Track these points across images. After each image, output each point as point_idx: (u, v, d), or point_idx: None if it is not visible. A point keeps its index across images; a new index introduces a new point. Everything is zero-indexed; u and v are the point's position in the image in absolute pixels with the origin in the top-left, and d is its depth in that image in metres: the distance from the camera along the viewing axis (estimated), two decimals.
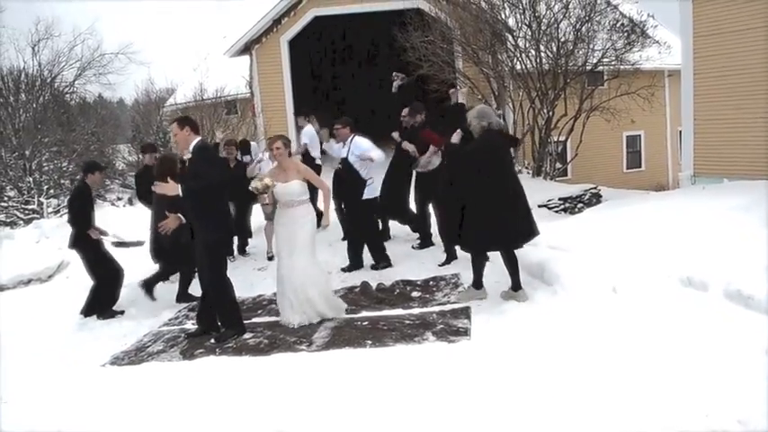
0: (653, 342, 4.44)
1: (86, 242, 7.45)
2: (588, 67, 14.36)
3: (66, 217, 8.05)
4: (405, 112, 8.83)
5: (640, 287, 5.32)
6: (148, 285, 7.62)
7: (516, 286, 6.13)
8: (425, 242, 8.76)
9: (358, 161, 7.90)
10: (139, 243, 7.88)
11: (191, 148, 5.83)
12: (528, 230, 6.06)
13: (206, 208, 5.85)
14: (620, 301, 5.25)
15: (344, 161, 8.04)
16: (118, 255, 8.48)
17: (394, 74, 9.39)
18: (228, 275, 7.66)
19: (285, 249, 6.24)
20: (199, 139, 5.95)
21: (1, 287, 9.13)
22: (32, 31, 26.13)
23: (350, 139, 8.07)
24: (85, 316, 7.46)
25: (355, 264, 8.18)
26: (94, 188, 7.79)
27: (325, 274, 6.57)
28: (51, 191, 20.75)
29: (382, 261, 8.13)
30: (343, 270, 8.13)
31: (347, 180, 8.05)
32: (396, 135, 8.74)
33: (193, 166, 5.86)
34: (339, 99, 22.09)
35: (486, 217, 5.90)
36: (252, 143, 10.95)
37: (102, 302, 7.51)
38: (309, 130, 10.02)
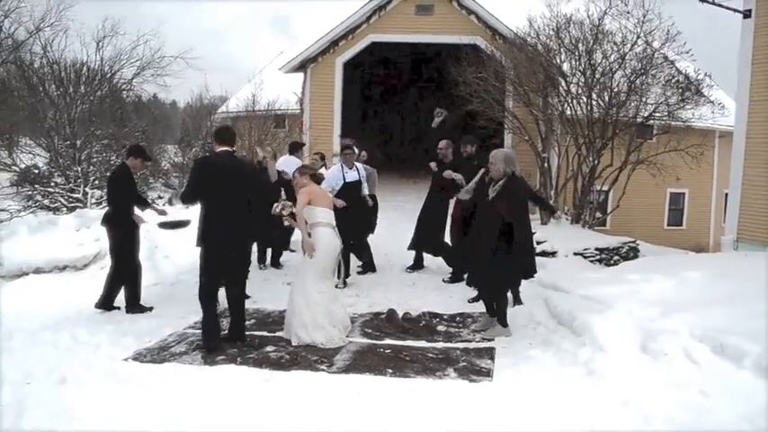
0: (675, 408, 4.34)
1: (119, 222, 7.53)
2: (639, 120, 14.22)
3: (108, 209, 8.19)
4: (442, 144, 8.99)
5: (670, 350, 5.20)
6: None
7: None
8: (457, 277, 8.73)
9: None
10: (184, 222, 7.78)
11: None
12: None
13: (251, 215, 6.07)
14: (648, 361, 5.14)
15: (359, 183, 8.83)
16: (166, 237, 8.58)
17: (436, 110, 9.50)
18: (258, 288, 7.82)
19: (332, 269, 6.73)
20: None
21: (38, 269, 9.32)
22: (99, 28, 26.84)
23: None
24: (99, 308, 7.51)
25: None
26: (134, 172, 7.89)
27: (311, 306, 6.32)
28: (97, 182, 21.21)
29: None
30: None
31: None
32: (433, 165, 8.87)
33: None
34: (384, 124, 22.25)
35: (514, 255, 6.20)
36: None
37: (127, 299, 7.60)
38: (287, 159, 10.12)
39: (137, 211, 7.71)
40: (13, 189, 23.42)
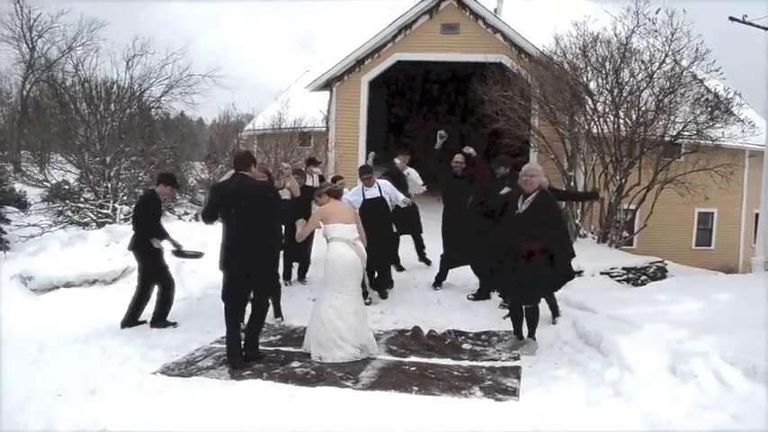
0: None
1: (146, 248, 7.68)
2: (667, 139, 14.10)
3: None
4: (458, 158, 9.10)
5: (700, 372, 5.12)
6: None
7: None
8: (482, 294, 8.70)
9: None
10: (198, 254, 8.05)
11: None
12: None
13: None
14: (677, 383, 5.07)
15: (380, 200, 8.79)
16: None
17: (440, 132, 9.57)
18: (283, 303, 7.85)
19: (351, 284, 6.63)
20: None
21: (68, 283, 9.48)
22: (129, 47, 27.51)
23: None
24: (125, 327, 7.57)
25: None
26: (162, 199, 8.03)
27: (321, 321, 6.39)
28: (125, 198, 21.51)
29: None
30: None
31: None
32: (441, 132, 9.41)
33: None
34: (410, 143, 22.30)
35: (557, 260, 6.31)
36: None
37: (156, 312, 7.72)
38: None
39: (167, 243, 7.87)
40: (45, 204, 23.84)
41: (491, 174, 8.57)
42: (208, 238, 10.32)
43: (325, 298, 6.45)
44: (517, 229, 6.28)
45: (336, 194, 6.98)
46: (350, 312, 6.35)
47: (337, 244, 6.52)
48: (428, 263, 10.50)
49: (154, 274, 7.75)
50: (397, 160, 10.43)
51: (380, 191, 8.79)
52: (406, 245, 10.42)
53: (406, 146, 15.24)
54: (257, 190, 6.29)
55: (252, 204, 6.12)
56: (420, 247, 10.77)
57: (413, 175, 10.46)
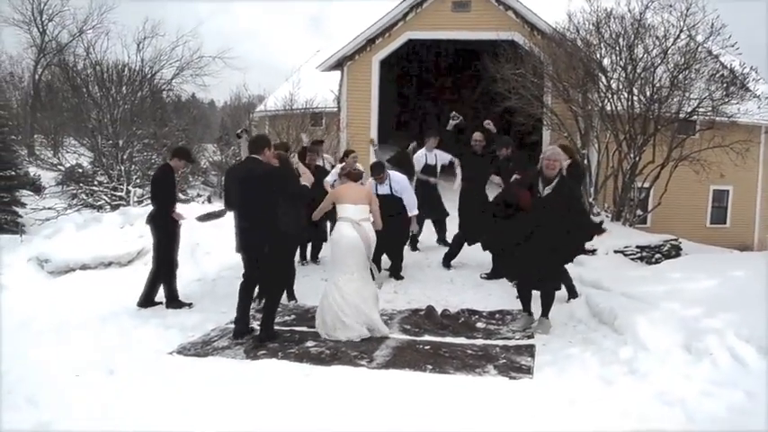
0: (720, 409, 4.25)
1: (164, 220, 7.72)
2: (681, 116, 13.96)
3: (150, 207, 8.37)
4: (478, 136, 9.04)
5: (715, 349, 5.10)
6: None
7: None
8: (496, 273, 8.70)
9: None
10: (221, 213, 8.09)
11: None
12: None
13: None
14: (692, 361, 5.05)
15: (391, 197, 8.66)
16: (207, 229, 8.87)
17: (453, 114, 9.50)
18: (298, 283, 7.90)
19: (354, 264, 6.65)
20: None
21: (84, 266, 9.59)
22: (139, 30, 27.56)
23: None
24: (141, 306, 7.64)
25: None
26: (177, 172, 8.07)
27: (325, 299, 6.61)
28: (138, 180, 21.68)
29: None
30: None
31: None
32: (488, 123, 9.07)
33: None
34: (422, 122, 22.22)
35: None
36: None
37: (165, 295, 7.80)
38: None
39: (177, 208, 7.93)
40: (59, 188, 24.06)
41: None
42: (221, 219, 10.40)
43: (331, 278, 6.61)
44: (540, 214, 6.24)
45: (354, 177, 7.14)
46: (351, 291, 6.40)
47: (342, 224, 6.60)
48: (446, 244, 10.46)
49: (167, 248, 7.76)
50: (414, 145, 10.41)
51: (391, 189, 8.72)
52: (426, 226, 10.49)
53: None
54: (261, 174, 6.32)
55: (254, 188, 6.26)
56: (442, 230, 10.83)
57: (440, 158, 10.53)
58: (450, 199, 10.40)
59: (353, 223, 6.57)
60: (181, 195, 25.24)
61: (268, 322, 6.37)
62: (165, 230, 7.75)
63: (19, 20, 38.92)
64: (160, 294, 7.86)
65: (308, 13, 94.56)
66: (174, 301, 7.77)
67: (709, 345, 5.08)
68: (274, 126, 20.68)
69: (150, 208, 8.27)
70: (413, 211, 8.86)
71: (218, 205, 13.28)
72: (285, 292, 7.59)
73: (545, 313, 6.58)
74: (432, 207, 10.28)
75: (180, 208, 8.12)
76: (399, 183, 8.84)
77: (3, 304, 7.86)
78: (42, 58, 38.53)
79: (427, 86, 24.22)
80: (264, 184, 6.25)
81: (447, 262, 9.42)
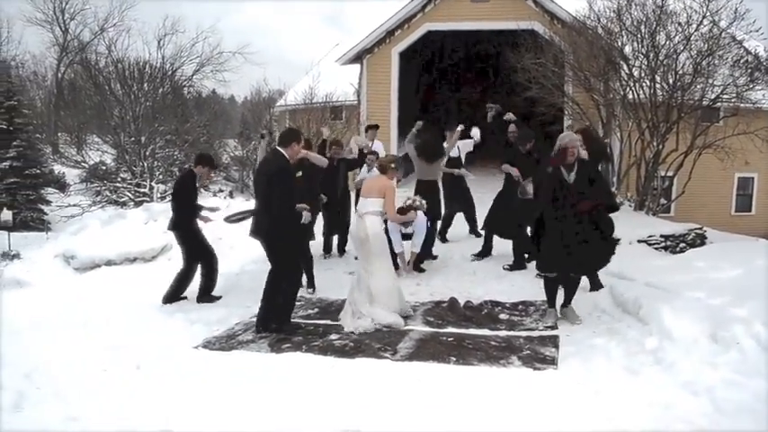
0: (748, 397, 4.21)
1: (186, 227, 7.78)
2: (705, 103, 13.77)
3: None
4: (512, 128, 8.97)
5: (742, 338, 5.05)
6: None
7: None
8: (518, 265, 8.66)
9: None
10: (249, 213, 8.18)
11: None
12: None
13: None
14: (719, 350, 5.00)
15: None
16: (230, 232, 9.06)
17: (488, 105, 9.42)
18: (320, 276, 7.94)
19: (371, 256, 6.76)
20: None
21: (109, 262, 9.71)
22: (159, 27, 27.81)
23: None
24: (166, 303, 7.69)
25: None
26: (200, 180, 8.12)
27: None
28: (161, 176, 21.87)
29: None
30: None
31: None
32: (510, 115, 9.15)
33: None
34: (443, 113, 22.14)
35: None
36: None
37: (202, 288, 7.86)
38: None
39: (203, 212, 8.02)
40: (83, 185, 24.35)
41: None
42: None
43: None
44: (573, 197, 6.18)
45: (381, 168, 7.37)
46: (360, 283, 6.64)
47: (354, 217, 6.76)
48: (479, 235, 10.24)
49: (198, 252, 7.85)
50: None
51: None
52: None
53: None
54: (271, 167, 6.43)
55: (261, 181, 6.51)
56: (472, 221, 10.60)
57: (463, 148, 10.28)
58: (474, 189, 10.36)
59: (359, 215, 6.80)
60: (203, 191, 25.46)
61: (280, 313, 6.44)
62: (189, 236, 7.82)
63: (41, 19, 39.44)
64: (188, 290, 7.94)
65: (325, 8, 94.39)
66: (205, 296, 7.84)
67: (735, 333, 5.02)
68: (294, 120, 20.75)
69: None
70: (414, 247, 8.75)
71: (241, 201, 13.37)
72: (305, 280, 7.69)
73: (569, 302, 6.55)
74: (460, 201, 10.19)
75: (205, 212, 8.14)
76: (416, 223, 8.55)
77: (30, 300, 7.99)
78: (65, 57, 39.00)
79: (448, 78, 24.13)
80: (269, 177, 6.36)
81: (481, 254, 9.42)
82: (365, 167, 9.82)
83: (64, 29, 39.77)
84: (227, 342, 6.17)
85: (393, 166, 7.12)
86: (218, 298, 7.88)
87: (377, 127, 11.86)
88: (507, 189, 8.98)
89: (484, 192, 9.98)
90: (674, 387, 4.49)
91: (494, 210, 9.18)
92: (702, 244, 11.19)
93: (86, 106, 25.22)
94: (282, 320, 6.42)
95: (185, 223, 7.78)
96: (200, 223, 7.95)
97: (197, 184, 8.03)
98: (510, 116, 9.02)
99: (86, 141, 25.90)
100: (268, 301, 6.43)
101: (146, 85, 23.91)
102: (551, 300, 6.62)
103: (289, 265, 6.50)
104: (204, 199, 10.94)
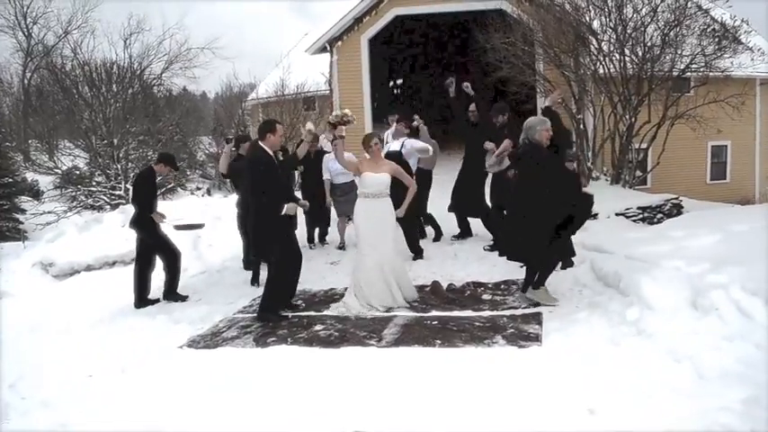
0: (729, 362, 4.28)
1: (144, 222, 7.68)
2: (675, 73, 13.85)
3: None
4: (472, 107, 8.94)
5: (721, 304, 5.11)
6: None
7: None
8: (498, 245, 8.69)
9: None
10: (200, 225, 8.23)
11: None
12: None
13: None
14: (699, 317, 5.07)
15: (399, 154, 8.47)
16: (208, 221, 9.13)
17: (447, 80, 9.21)
18: (303, 269, 7.91)
19: (371, 239, 6.62)
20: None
21: (88, 267, 9.63)
22: (125, 26, 27.39)
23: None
24: (139, 307, 7.63)
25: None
26: (160, 176, 8.14)
27: (403, 264, 7.13)
28: None
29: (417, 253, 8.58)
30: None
31: None
32: (466, 85, 8.92)
33: None
34: (415, 98, 22.11)
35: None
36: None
37: (166, 285, 7.82)
38: None
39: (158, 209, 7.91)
40: (58, 191, 24.03)
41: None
42: (222, 211, 10.44)
43: (396, 249, 6.96)
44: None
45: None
46: (364, 265, 6.69)
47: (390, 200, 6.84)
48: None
49: (155, 246, 7.76)
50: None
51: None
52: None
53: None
54: (248, 162, 6.70)
55: (244, 176, 6.80)
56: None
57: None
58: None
59: (366, 197, 6.78)
60: (179, 190, 25.23)
61: (263, 301, 6.61)
62: (148, 231, 7.73)
63: (3, 24, 38.68)
64: (154, 293, 7.89)
65: (289, 3, 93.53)
66: (170, 294, 7.80)
67: (714, 300, 5.10)
68: (267, 113, 20.62)
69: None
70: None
71: (219, 198, 13.27)
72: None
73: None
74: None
75: (161, 208, 8.08)
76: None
77: (11, 311, 7.90)
78: (30, 62, 38.32)
79: (419, 63, 24.07)
80: (246, 171, 6.67)
81: (460, 235, 9.44)
82: (331, 156, 9.81)
83: (27, 33, 39.06)
84: (211, 340, 6.14)
85: (375, 141, 6.92)
86: (185, 298, 7.82)
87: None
88: (468, 167, 9.02)
89: (439, 174, 9.87)
90: (656, 355, 4.55)
91: (456, 191, 9.22)
92: (679, 214, 11.32)
93: (55, 111, 24.83)
94: (264, 306, 6.60)
95: (145, 220, 7.68)
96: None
97: (155, 181, 7.98)
98: (466, 86, 8.95)
99: (58, 147, 25.49)
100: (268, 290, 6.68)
101: (114, 86, 23.59)
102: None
103: (277, 253, 6.54)
104: (181, 198, 10.86)
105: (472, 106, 9.03)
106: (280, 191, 6.49)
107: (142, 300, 7.70)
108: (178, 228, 8.34)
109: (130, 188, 8.78)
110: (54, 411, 4.54)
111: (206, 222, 8.51)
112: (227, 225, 10.35)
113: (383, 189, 6.69)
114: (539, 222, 5.99)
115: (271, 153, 6.48)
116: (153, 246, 7.75)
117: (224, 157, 8.60)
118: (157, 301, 7.78)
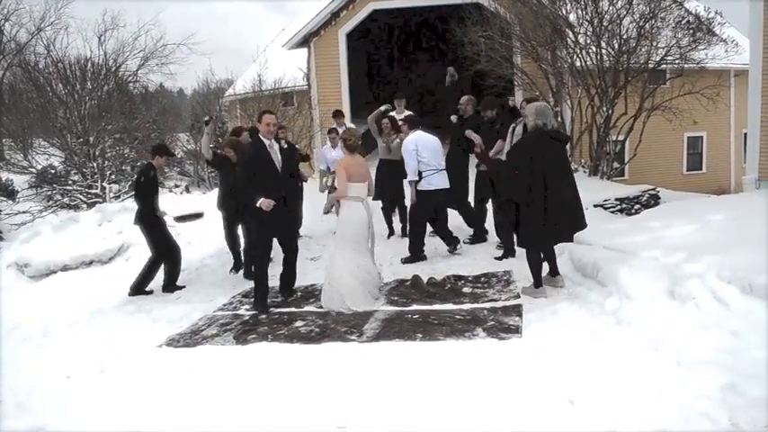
0: (708, 350, 4.32)
1: (151, 219, 7.89)
2: (651, 65, 13.99)
3: (127, 201, 8.40)
4: (463, 99, 8.93)
5: (698, 293, 5.16)
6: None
7: (554, 272, 6.47)
8: (479, 237, 8.73)
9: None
10: (199, 215, 8.27)
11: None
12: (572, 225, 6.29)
13: None
14: (676, 306, 5.11)
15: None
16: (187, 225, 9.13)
17: (449, 69, 9.36)
18: (274, 266, 7.84)
19: (351, 240, 6.68)
20: None
21: (65, 267, 9.47)
22: (99, 22, 26.93)
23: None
24: (133, 294, 7.85)
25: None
26: (159, 169, 8.31)
27: (334, 273, 6.74)
28: (113, 176, 21.38)
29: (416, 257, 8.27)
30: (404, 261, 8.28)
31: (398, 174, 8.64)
32: (453, 118, 8.84)
33: None
34: (393, 92, 22.05)
35: (534, 214, 6.03)
36: None
37: (167, 278, 8.04)
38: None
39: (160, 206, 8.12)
40: (33, 191, 23.67)
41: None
42: (201, 208, 10.37)
43: (339, 252, 6.79)
44: None
45: (351, 148, 7.05)
46: (359, 265, 6.70)
47: (353, 203, 6.75)
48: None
49: (164, 243, 8.00)
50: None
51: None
52: None
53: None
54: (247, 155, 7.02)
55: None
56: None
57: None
58: None
59: (363, 201, 6.77)
60: (160, 189, 24.97)
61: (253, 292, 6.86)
62: (155, 226, 7.97)
63: None
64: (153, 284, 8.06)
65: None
66: (169, 286, 8.01)
67: (691, 289, 5.15)
68: (245, 109, 20.46)
69: (131, 205, 8.35)
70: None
71: (197, 195, 13.18)
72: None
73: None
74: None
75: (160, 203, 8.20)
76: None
77: None
78: (2, 60, 37.67)
79: (397, 57, 24.03)
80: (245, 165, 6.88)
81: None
82: (328, 146, 9.92)
83: None
84: (191, 338, 6.08)
85: (359, 142, 7.00)
86: (182, 287, 8.05)
87: (341, 113, 11.61)
88: (450, 161, 8.98)
89: None
90: (636, 345, 4.58)
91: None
92: (656, 204, 11.43)
93: (29, 109, 24.39)
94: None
95: (149, 216, 7.88)
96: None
97: (157, 175, 8.16)
98: (450, 70, 8.98)
99: (32, 145, 25.09)
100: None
101: (89, 83, 23.18)
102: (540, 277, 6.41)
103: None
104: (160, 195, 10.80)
105: (464, 99, 8.99)
106: (264, 179, 6.60)
107: (139, 290, 7.91)
108: (178, 219, 8.39)
109: (133, 185, 8.85)
110: (31, 414, 4.47)
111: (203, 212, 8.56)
112: (206, 223, 10.28)
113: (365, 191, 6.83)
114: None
115: (266, 142, 6.70)
116: (156, 241, 7.95)
117: (205, 138, 8.58)
118: (151, 292, 7.97)
